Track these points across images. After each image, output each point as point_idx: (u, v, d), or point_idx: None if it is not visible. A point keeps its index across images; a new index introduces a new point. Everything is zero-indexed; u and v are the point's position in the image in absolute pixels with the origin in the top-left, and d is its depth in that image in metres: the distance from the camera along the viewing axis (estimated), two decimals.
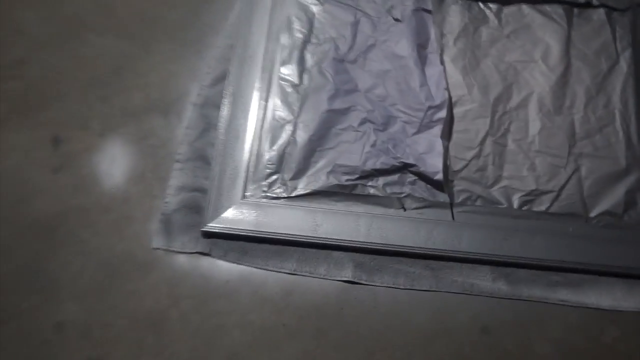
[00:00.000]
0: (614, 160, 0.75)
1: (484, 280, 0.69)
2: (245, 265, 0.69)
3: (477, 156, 0.75)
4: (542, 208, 0.72)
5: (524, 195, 0.72)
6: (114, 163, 0.73)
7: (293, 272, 0.70)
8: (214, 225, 0.69)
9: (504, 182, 0.74)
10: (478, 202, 0.73)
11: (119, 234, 0.69)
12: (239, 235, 0.69)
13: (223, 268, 0.69)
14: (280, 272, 0.69)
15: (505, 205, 0.72)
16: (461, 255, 0.69)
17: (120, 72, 0.77)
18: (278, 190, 0.72)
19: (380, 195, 0.71)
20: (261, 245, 0.70)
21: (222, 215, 0.70)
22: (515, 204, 0.72)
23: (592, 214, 0.72)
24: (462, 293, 0.68)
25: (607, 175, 0.74)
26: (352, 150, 0.74)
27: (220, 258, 0.69)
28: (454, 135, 0.76)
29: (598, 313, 0.67)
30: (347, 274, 0.69)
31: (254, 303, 0.67)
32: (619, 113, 0.78)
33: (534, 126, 0.76)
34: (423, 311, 0.70)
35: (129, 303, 0.65)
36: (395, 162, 0.73)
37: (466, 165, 0.75)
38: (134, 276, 0.67)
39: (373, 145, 0.75)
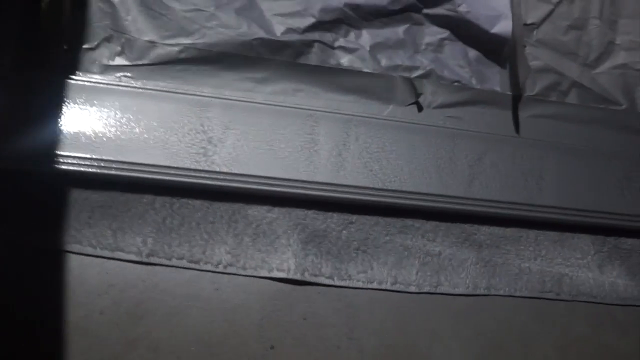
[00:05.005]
0: None
1: (585, 268, 0.42)
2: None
3: None
4: None
5: None
6: None
7: (146, 260, 0.34)
8: None
9: (619, 57, 0.47)
10: (571, 97, 0.46)
11: None
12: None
13: None
14: (114, 258, 0.34)
15: (623, 106, 0.46)
16: (540, 214, 0.41)
17: None
18: (105, 53, 0.37)
19: (367, 71, 0.41)
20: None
21: None
22: None
23: None
24: (544, 298, 0.41)
25: None
26: None
27: None
28: None
29: None
30: (287, 263, 0.36)
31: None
32: None
33: None
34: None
35: None
36: None
37: (549, 16, 0.47)
38: None
39: None
